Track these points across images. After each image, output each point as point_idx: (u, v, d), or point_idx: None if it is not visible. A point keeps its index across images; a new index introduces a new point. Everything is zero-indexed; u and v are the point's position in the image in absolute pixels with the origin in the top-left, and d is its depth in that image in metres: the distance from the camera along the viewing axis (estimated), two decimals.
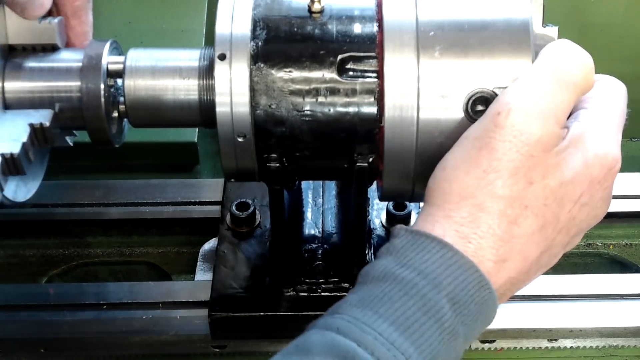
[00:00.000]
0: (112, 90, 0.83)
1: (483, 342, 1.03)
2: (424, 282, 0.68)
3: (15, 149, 0.74)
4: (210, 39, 0.92)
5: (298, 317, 0.94)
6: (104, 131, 0.82)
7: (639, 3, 1.36)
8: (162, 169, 1.28)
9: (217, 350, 1.04)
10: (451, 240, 0.70)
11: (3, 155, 0.74)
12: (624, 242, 1.18)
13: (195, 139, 1.25)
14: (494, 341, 1.03)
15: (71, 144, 0.88)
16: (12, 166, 0.74)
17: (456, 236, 0.71)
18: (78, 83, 0.80)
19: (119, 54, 0.85)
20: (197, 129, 1.24)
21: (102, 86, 0.80)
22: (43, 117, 0.78)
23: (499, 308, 0.72)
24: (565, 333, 1.01)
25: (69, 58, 0.82)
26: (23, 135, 0.76)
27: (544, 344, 1.04)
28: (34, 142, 0.78)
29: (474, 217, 0.71)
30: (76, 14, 0.89)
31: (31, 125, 0.77)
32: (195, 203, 1.16)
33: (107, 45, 0.82)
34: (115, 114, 0.84)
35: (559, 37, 0.77)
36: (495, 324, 0.98)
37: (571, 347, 1.05)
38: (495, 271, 0.71)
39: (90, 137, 0.83)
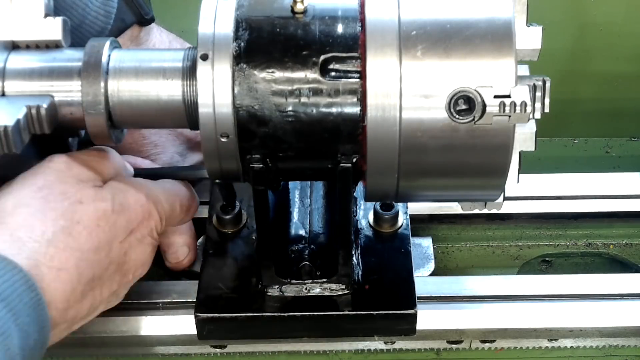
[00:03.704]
0: None
1: (483, 342, 1.03)
2: None
3: (9, 122, 0.74)
4: None
5: (284, 318, 0.93)
6: (104, 129, 0.82)
7: (639, 3, 1.36)
8: None
9: (217, 350, 1.04)
10: (3, 245, 0.74)
11: None
12: (624, 242, 1.18)
13: None
14: (494, 341, 1.03)
15: None
16: (5, 140, 0.74)
17: (10, 240, 0.75)
18: (78, 81, 0.80)
19: None
20: None
21: (102, 84, 0.80)
22: (41, 100, 0.79)
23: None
24: (565, 333, 1.01)
25: (70, 57, 0.82)
26: (18, 113, 0.76)
27: (544, 343, 1.04)
28: (30, 123, 0.78)
29: (28, 222, 0.77)
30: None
31: (28, 107, 0.77)
32: None
33: (107, 44, 0.82)
34: None
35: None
36: (495, 324, 0.99)
37: (571, 347, 1.05)
38: (50, 279, 0.75)
39: (90, 136, 0.83)
